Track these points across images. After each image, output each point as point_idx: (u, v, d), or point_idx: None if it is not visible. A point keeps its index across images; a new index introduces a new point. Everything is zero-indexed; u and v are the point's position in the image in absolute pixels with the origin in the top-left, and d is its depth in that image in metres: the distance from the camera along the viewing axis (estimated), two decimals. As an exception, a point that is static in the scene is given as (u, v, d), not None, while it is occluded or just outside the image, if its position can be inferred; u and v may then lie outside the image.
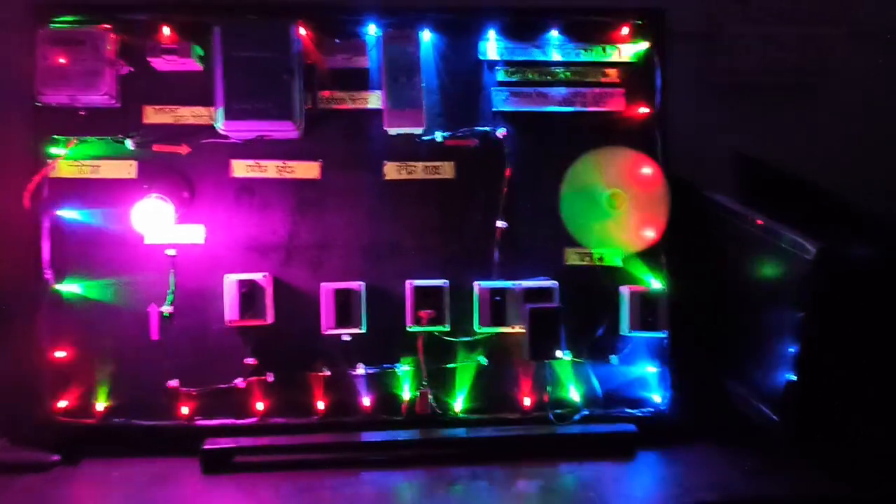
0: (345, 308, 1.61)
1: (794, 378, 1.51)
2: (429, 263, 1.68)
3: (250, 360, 1.60)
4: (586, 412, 1.65)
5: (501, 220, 1.68)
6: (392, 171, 1.69)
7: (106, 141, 1.61)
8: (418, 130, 1.65)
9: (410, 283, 1.63)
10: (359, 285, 1.62)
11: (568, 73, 1.73)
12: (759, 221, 1.61)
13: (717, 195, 1.72)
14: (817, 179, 1.87)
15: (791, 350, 1.52)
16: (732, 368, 1.73)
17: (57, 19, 1.60)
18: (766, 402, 1.60)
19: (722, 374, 1.75)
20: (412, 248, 1.68)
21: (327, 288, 1.62)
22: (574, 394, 1.67)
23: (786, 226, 1.56)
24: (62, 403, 1.57)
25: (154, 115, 1.64)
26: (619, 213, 1.59)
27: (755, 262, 1.65)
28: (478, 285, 1.65)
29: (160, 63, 1.61)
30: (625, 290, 1.68)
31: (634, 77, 1.73)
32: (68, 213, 1.59)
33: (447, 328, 1.63)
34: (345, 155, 1.67)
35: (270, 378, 1.60)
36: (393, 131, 1.65)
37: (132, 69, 1.63)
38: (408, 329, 1.63)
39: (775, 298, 1.59)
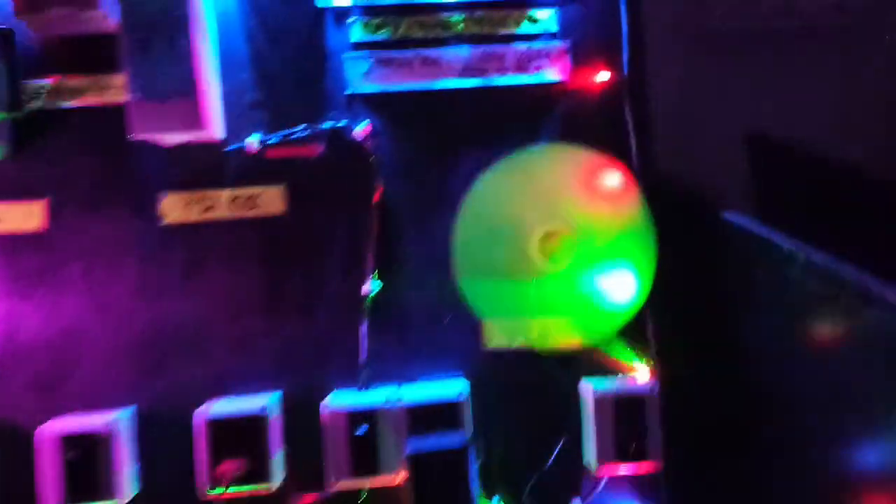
0: (84, 467, 0.89)
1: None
2: (245, 367, 0.98)
3: None
4: None
5: (371, 281, 0.97)
6: (176, 208, 0.98)
7: None
8: (204, 135, 0.93)
9: (203, 415, 0.92)
10: (108, 424, 0.90)
11: (471, 23, 1.01)
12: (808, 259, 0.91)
13: (737, 217, 1.00)
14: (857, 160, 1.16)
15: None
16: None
17: None
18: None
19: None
20: (217, 340, 0.98)
21: (48, 434, 0.89)
22: (511, 573, 0.98)
23: (856, 268, 0.86)
24: None
25: None
26: (563, 267, 0.88)
27: (809, 327, 0.95)
28: (326, 408, 0.94)
29: None
30: (587, 391, 0.98)
31: (585, 27, 1.02)
32: None
33: (274, 484, 0.92)
34: (89, 186, 0.95)
35: None
36: (175, 140, 0.93)
37: None
38: (205, 493, 0.92)
39: (848, 385, 0.90)
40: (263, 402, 0.94)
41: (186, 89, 0.88)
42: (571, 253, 0.85)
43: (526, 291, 0.86)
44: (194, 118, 0.89)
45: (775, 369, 1.02)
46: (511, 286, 0.86)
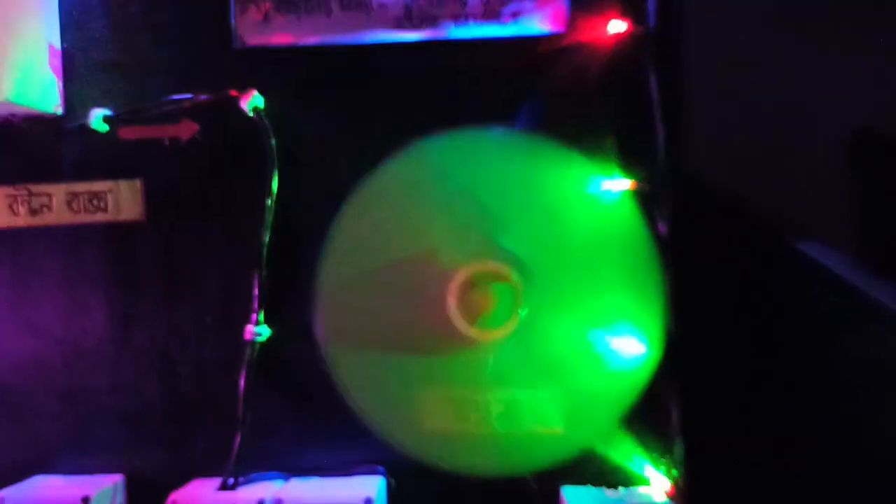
0: None
1: None
2: (79, 436, 0.70)
3: None
4: None
5: (258, 322, 0.67)
6: (-5, 208, 0.70)
7: None
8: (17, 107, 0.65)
9: (-4, 506, 0.64)
10: None
11: (422, -53, 0.69)
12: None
13: (818, 250, 0.64)
14: None
15: None
16: None
17: None
18: None
19: None
20: (42, 395, 0.71)
21: None
22: None
23: None
24: None
25: None
26: (502, 335, 0.54)
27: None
28: (170, 506, 0.64)
29: None
30: (567, 505, 0.64)
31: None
32: None
33: None
34: None
35: None
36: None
37: None
38: None
39: None
40: (91, 489, 0.66)
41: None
42: (517, 310, 0.50)
43: (447, 369, 0.53)
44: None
45: (864, 487, 0.65)
46: (418, 363, 0.53)
